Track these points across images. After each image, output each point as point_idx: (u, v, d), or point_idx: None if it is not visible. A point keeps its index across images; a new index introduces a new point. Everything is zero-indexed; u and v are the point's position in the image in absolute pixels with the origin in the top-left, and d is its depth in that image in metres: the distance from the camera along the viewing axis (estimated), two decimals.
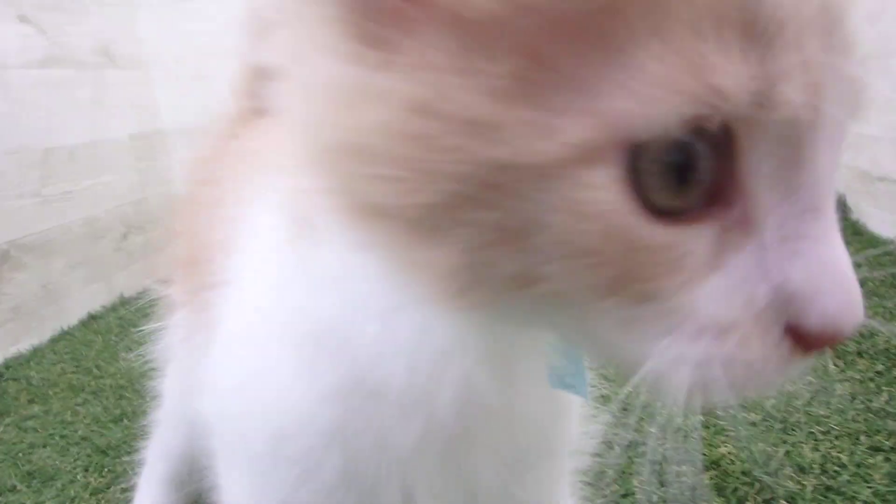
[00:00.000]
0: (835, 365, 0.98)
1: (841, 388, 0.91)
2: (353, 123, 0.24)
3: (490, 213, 0.23)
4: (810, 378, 0.95)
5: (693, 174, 0.23)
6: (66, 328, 1.61)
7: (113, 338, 1.52)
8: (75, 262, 1.69)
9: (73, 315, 1.65)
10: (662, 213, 0.23)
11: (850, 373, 0.95)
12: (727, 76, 0.21)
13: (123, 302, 1.78)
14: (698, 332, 0.24)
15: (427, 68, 0.22)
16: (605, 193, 0.22)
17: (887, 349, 1.00)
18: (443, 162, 0.22)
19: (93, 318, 1.68)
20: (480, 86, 0.22)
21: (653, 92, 0.21)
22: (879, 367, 0.96)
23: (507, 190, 0.22)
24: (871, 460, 0.76)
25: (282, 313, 0.38)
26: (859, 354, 1.00)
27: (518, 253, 0.23)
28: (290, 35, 0.27)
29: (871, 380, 0.93)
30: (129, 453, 0.98)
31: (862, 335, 1.04)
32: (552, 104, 0.21)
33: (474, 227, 0.23)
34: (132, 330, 1.52)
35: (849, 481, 0.73)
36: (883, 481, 0.73)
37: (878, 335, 1.04)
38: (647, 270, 0.23)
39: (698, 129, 0.22)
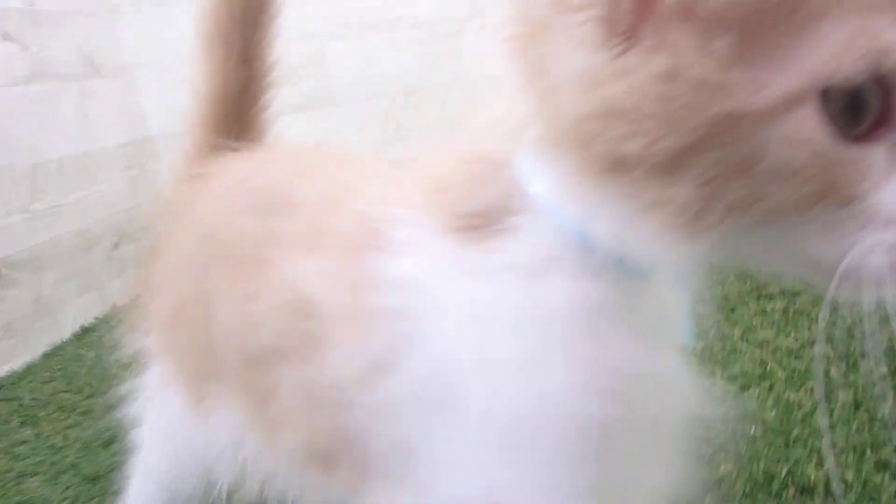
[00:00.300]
0: (836, 367, 0.95)
1: (844, 396, 0.89)
2: (610, 93, 0.31)
3: (720, 152, 0.30)
4: (811, 385, 0.92)
5: (866, 107, 0.30)
6: (59, 342, 1.59)
7: (105, 352, 1.50)
8: (67, 274, 1.67)
9: (66, 328, 1.63)
10: (847, 138, 0.30)
11: (852, 377, 0.92)
12: (888, 37, 0.29)
13: (117, 311, 1.76)
14: (886, 223, 0.31)
15: (667, 47, 0.30)
16: (808, 126, 0.29)
17: (892, 347, 0.97)
18: (684, 115, 0.30)
19: (86, 330, 1.66)
20: (709, 57, 0.29)
21: (836, 52, 0.29)
22: (883, 370, 0.93)
23: (734, 132, 0.29)
24: (877, 478, 0.73)
25: (514, 320, 0.38)
26: (863, 355, 0.97)
27: (742, 181, 0.30)
28: (542, 41, 0.33)
29: (875, 384, 0.90)
30: (115, 482, 0.96)
31: (865, 335, 1.01)
32: (763, 66, 0.29)
33: (707, 164, 0.30)
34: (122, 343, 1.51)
35: (855, 503, 0.71)
36: (891, 502, 0.70)
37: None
38: (842, 180, 0.30)
39: (868, 75, 0.29)
